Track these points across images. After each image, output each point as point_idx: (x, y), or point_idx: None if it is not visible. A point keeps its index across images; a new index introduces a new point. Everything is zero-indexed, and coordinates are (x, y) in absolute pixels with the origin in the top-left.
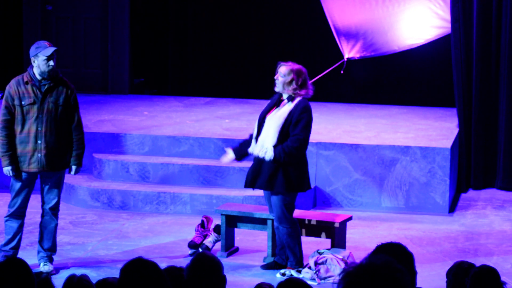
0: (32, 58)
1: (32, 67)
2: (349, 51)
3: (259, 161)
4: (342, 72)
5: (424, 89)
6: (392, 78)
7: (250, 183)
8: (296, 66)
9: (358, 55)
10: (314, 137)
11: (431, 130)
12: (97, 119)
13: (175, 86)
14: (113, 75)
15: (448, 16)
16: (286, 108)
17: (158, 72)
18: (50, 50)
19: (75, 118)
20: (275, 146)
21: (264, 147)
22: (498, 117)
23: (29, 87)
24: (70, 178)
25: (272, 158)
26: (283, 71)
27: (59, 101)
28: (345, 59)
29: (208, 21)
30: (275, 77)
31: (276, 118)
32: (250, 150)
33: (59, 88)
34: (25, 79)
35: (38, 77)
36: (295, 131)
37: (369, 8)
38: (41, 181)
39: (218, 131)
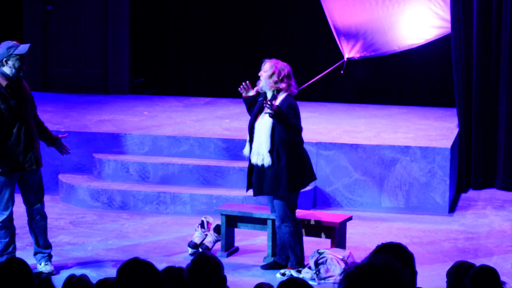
0: (4, 59)
1: (1, 69)
2: (349, 51)
3: (259, 169)
4: (342, 72)
5: (424, 89)
6: (392, 78)
7: (258, 191)
8: (280, 63)
9: (358, 55)
10: (314, 137)
11: (431, 130)
12: (97, 119)
13: (175, 86)
14: (113, 75)
15: (448, 16)
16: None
17: (158, 72)
18: (26, 46)
19: (36, 110)
20: (270, 151)
21: (261, 154)
22: (498, 117)
23: (9, 89)
24: (70, 178)
25: (270, 163)
26: (266, 67)
27: (30, 98)
28: (345, 59)
29: (208, 21)
30: (259, 74)
31: (264, 123)
32: (244, 152)
33: (24, 86)
34: (4, 83)
35: (12, 78)
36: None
37: (369, 8)
38: (24, 182)
39: (218, 131)
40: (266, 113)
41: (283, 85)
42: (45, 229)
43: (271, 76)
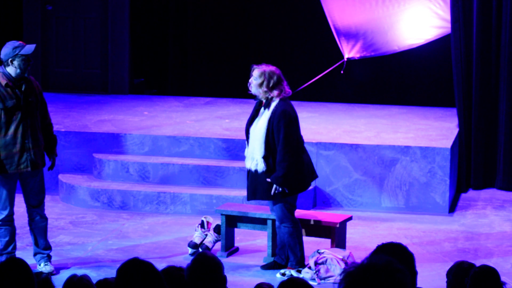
0: (10, 59)
1: (3, 67)
2: (349, 51)
3: (253, 173)
4: (342, 72)
5: (424, 89)
6: (392, 78)
7: (252, 196)
8: (269, 68)
9: (358, 55)
10: (314, 137)
11: (431, 130)
12: (97, 119)
13: (175, 86)
14: (113, 75)
15: (448, 16)
16: (264, 117)
17: (158, 72)
18: (32, 47)
19: (47, 112)
20: (265, 157)
21: (255, 159)
22: (498, 117)
23: (9, 89)
24: (70, 178)
25: (264, 169)
26: (255, 74)
27: (35, 99)
28: (345, 59)
29: (208, 21)
30: (249, 81)
31: (258, 130)
32: (245, 154)
33: (31, 86)
34: (3, 82)
35: (15, 77)
36: (278, 145)
37: (369, 8)
38: (25, 183)
39: (218, 131)
40: (278, 191)
41: (275, 93)
42: (45, 230)
43: (260, 85)
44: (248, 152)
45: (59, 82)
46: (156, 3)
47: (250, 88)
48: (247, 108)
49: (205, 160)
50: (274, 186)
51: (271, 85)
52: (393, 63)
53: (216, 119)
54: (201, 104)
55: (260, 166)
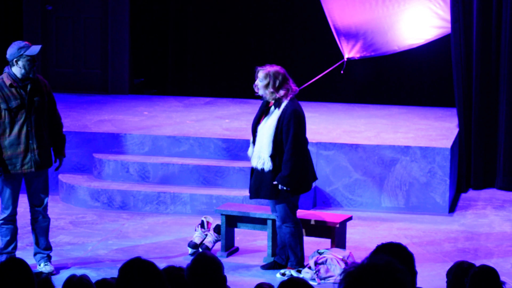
0: (15, 59)
1: (9, 68)
2: (349, 51)
3: (259, 172)
4: (342, 72)
5: (424, 89)
6: (392, 78)
7: (255, 194)
8: (273, 69)
9: (358, 55)
10: (314, 137)
11: (431, 130)
12: (97, 119)
13: (175, 86)
14: (113, 75)
15: (448, 16)
16: (274, 116)
17: (158, 72)
18: (37, 48)
19: (56, 111)
20: (272, 156)
21: (261, 158)
22: (498, 117)
23: (13, 89)
24: (70, 178)
25: (271, 168)
26: (260, 76)
27: (42, 99)
28: (345, 59)
29: (208, 21)
30: (255, 83)
31: (266, 128)
32: (248, 153)
33: (38, 85)
34: (8, 82)
35: (20, 78)
36: (286, 144)
37: (369, 8)
38: (29, 183)
39: (218, 131)
40: (282, 188)
41: (282, 93)
42: (46, 230)
43: (267, 86)
44: (254, 150)
45: (59, 82)
46: (156, 3)
47: (256, 90)
48: (247, 108)
49: (205, 160)
50: (280, 186)
51: (277, 85)
52: (393, 63)
53: (216, 119)
54: (201, 104)
55: (267, 165)
